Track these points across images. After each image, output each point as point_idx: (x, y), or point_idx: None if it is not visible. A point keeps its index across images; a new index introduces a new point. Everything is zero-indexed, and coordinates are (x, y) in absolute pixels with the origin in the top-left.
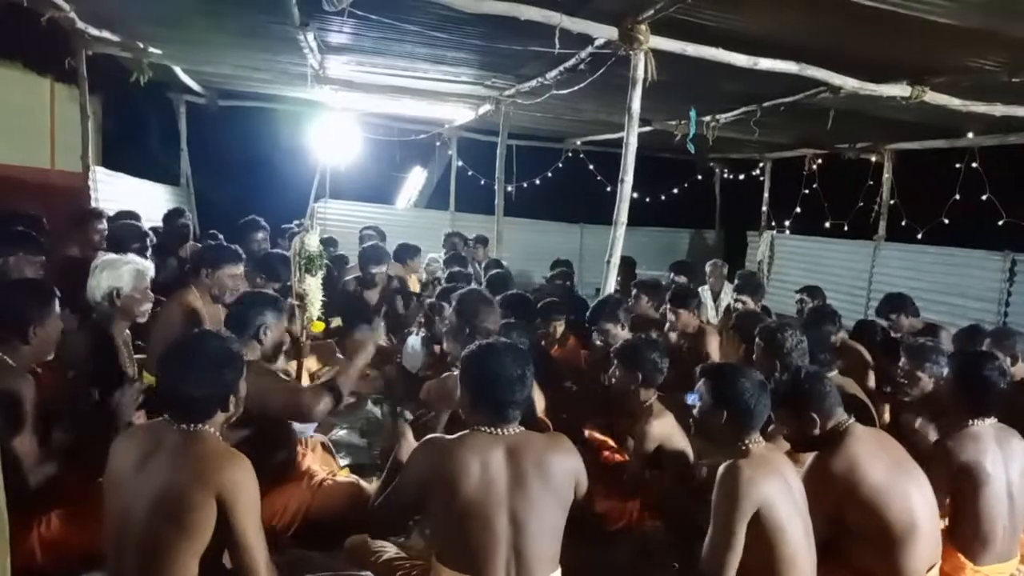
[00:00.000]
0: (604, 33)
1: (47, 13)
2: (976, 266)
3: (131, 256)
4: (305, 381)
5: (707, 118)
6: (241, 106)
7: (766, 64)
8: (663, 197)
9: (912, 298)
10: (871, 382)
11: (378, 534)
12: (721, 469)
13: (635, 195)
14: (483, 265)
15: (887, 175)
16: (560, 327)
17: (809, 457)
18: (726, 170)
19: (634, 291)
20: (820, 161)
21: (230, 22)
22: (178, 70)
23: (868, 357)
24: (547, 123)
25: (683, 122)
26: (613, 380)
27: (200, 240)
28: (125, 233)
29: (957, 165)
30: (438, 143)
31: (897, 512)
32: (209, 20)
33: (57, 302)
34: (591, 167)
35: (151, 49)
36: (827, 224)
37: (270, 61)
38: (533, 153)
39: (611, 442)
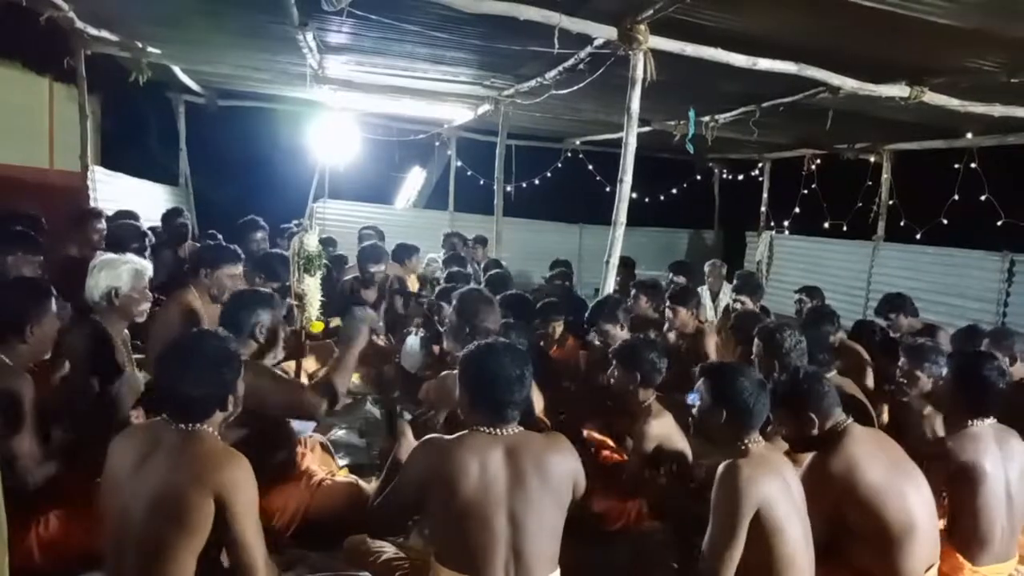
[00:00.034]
0: (603, 33)
1: (46, 12)
2: (975, 266)
3: (129, 256)
4: (304, 381)
5: (706, 118)
6: (240, 106)
7: (765, 64)
8: (662, 197)
9: (911, 298)
10: (870, 382)
11: (377, 534)
12: (721, 468)
13: (634, 195)
14: (482, 265)
15: (886, 175)
16: (559, 328)
17: (807, 457)
18: (725, 170)
19: (633, 291)
20: (819, 161)
21: (229, 22)
22: (177, 70)
23: (867, 357)
24: (546, 123)
25: (682, 122)
26: (612, 380)
27: (199, 240)
28: (124, 233)
29: (956, 165)
30: (437, 143)
31: (895, 512)
32: (208, 20)
33: (54, 300)
34: (590, 167)
35: (150, 49)
36: (826, 224)
37: (269, 61)
38: (532, 153)
39: (610, 442)
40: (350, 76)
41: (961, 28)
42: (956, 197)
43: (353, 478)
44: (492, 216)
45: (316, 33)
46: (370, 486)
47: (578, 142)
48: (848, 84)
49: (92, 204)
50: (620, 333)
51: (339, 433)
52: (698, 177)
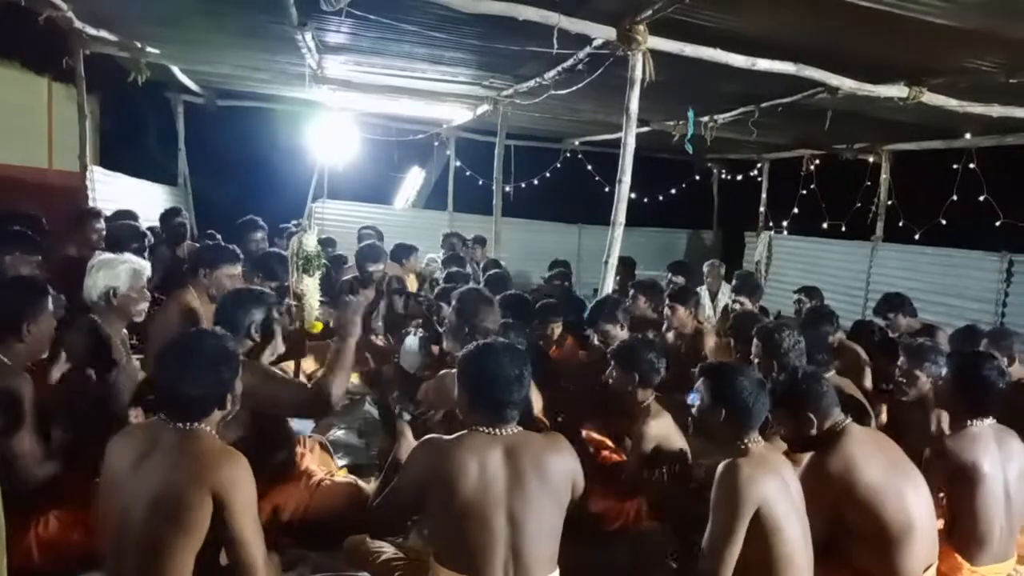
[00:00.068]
0: (602, 33)
1: (45, 12)
2: (973, 267)
3: (128, 255)
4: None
5: (705, 118)
6: (239, 106)
7: (764, 65)
8: (661, 197)
9: (910, 298)
10: (868, 382)
11: (376, 534)
12: (720, 468)
13: (633, 195)
14: (481, 265)
15: (885, 176)
16: (557, 328)
17: (806, 457)
18: (724, 170)
19: (632, 291)
20: (818, 162)
21: (228, 22)
22: (176, 70)
23: (865, 357)
24: (545, 123)
25: (681, 122)
26: (611, 380)
27: (198, 240)
28: (123, 233)
29: (954, 166)
30: (436, 143)
31: (894, 512)
32: (207, 20)
33: (50, 299)
34: (589, 167)
35: (149, 49)
36: (825, 225)
37: (268, 61)
38: (531, 153)
39: (609, 442)
40: (349, 76)
41: (960, 28)
42: (955, 197)
43: (352, 478)
44: (491, 216)
45: (315, 33)
46: (369, 486)
47: (577, 142)
48: (847, 84)
49: (91, 204)
50: (620, 333)
51: (338, 433)
52: (697, 177)
